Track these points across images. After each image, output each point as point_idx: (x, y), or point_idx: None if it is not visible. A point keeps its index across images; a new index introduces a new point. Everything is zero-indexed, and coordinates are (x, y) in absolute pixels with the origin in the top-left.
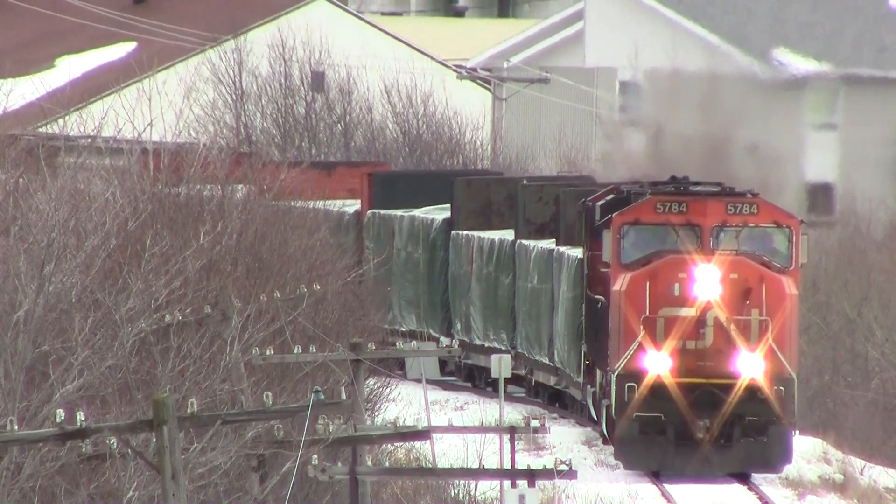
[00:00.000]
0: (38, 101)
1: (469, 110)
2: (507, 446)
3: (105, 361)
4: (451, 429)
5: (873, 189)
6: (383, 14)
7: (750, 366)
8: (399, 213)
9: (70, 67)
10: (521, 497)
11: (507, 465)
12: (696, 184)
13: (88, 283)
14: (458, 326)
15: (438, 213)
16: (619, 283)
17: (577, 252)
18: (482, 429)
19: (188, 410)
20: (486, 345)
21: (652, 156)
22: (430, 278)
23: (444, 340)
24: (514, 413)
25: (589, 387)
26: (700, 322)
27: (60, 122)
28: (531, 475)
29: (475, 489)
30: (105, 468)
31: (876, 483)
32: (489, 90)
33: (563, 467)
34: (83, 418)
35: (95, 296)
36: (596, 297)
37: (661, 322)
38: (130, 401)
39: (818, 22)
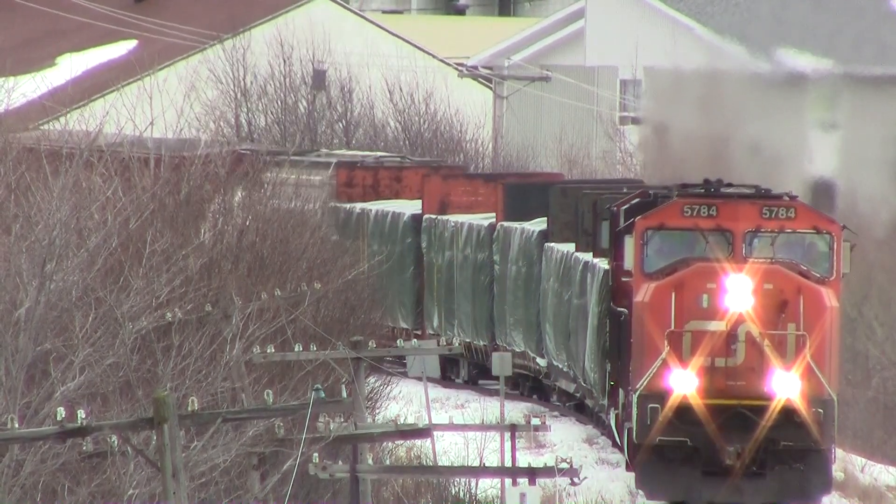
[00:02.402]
0: (40, 99)
1: (470, 108)
2: (507, 444)
3: (106, 359)
4: (451, 427)
5: (875, 187)
6: (384, 12)
7: (785, 386)
8: (515, 225)
9: (71, 65)
10: (522, 495)
11: (508, 464)
12: (729, 186)
13: (90, 281)
14: (550, 347)
15: (538, 225)
16: (642, 294)
17: (604, 262)
18: (483, 427)
19: (189, 408)
20: (560, 366)
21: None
22: (527, 295)
23: (542, 362)
24: (514, 411)
25: (612, 409)
26: (731, 337)
27: (62, 119)
28: (532, 473)
29: (476, 487)
30: (106, 466)
31: (876, 481)
32: (490, 88)
33: (564, 465)
34: (84, 416)
35: (97, 294)
36: (619, 309)
37: (687, 337)
38: (131, 399)
39: (819, 21)
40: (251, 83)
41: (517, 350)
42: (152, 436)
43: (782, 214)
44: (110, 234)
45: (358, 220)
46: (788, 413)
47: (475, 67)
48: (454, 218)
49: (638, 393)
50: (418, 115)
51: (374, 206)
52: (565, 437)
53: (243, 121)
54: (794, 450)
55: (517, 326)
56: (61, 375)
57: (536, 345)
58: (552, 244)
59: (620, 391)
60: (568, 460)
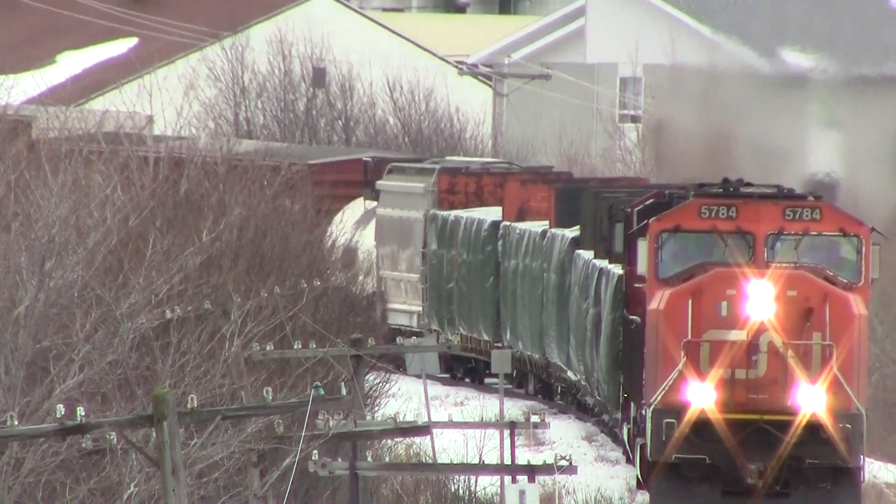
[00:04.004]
0: (39, 96)
1: (470, 106)
2: (507, 442)
3: (105, 357)
4: (451, 424)
5: (875, 185)
6: (385, 10)
7: (811, 399)
8: (558, 232)
9: (71, 63)
10: (522, 492)
11: (508, 461)
12: (749, 185)
13: (89, 278)
14: (574, 359)
15: (574, 232)
16: (657, 301)
17: (619, 268)
18: (482, 424)
19: (188, 406)
20: (579, 378)
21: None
22: (559, 306)
23: (572, 375)
24: (514, 409)
25: (625, 424)
26: (752, 347)
27: (61, 117)
28: (531, 470)
29: (475, 485)
30: (105, 463)
31: (876, 479)
32: (490, 86)
33: (563, 462)
34: (83, 414)
35: (96, 292)
36: (632, 317)
37: (705, 347)
38: (131, 396)
39: (820, 20)
40: (250, 81)
41: (553, 362)
42: (152, 433)
43: (807, 216)
44: (110, 231)
45: (452, 229)
46: (814, 429)
47: (475, 65)
48: (521, 225)
49: (652, 407)
50: (418, 112)
51: (465, 214)
52: (565, 435)
53: (242, 119)
54: (820, 468)
55: (555, 338)
56: (61, 373)
57: (567, 357)
58: (580, 251)
59: (633, 405)
60: (567, 457)
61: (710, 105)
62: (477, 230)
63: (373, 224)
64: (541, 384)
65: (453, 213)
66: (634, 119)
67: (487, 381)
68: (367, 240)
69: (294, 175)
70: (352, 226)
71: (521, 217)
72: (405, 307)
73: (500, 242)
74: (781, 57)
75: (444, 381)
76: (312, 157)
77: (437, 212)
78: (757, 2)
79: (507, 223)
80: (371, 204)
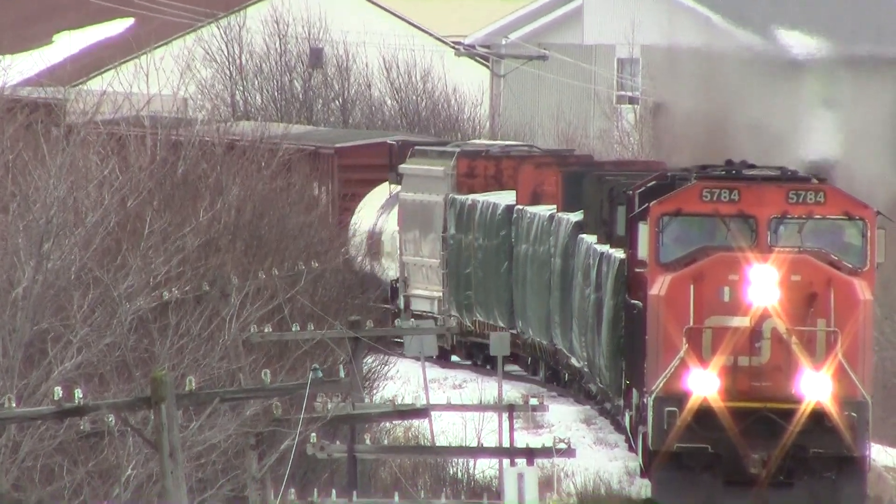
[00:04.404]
0: (37, 76)
1: (467, 87)
2: (505, 425)
3: (103, 339)
4: (449, 407)
5: (873, 168)
6: None
7: (815, 387)
8: (563, 216)
9: (68, 43)
10: (520, 475)
11: (506, 444)
12: (752, 167)
13: (87, 260)
14: (577, 346)
15: (578, 216)
16: (658, 287)
17: (621, 252)
18: (481, 407)
19: (186, 388)
20: (581, 365)
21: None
22: (562, 292)
23: (576, 362)
24: (512, 391)
25: (627, 411)
26: (755, 334)
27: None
28: (530, 454)
29: (474, 467)
30: (103, 446)
31: (875, 461)
32: (487, 67)
33: (562, 445)
34: (81, 396)
35: (94, 273)
36: (633, 302)
37: (707, 334)
38: (129, 378)
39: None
40: (247, 61)
41: (559, 348)
42: (150, 415)
43: (811, 199)
44: (108, 213)
45: (469, 213)
46: (818, 417)
47: (472, 46)
48: (531, 209)
49: (654, 395)
50: (415, 93)
51: (482, 198)
52: (563, 418)
53: (239, 99)
54: (824, 457)
55: (559, 325)
56: (59, 355)
57: (570, 344)
58: (583, 236)
59: (635, 392)
60: (566, 441)
61: (707, 86)
62: (492, 214)
63: (396, 208)
64: (550, 371)
65: (470, 198)
66: (632, 100)
67: (507, 368)
68: (391, 224)
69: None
70: (376, 211)
71: (535, 201)
72: (427, 293)
73: (514, 227)
74: (778, 38)
75: (442, 364)
76: (339, 140)
77: (456, 196)
78: None
79: (521, 207)
80: (396, 188)
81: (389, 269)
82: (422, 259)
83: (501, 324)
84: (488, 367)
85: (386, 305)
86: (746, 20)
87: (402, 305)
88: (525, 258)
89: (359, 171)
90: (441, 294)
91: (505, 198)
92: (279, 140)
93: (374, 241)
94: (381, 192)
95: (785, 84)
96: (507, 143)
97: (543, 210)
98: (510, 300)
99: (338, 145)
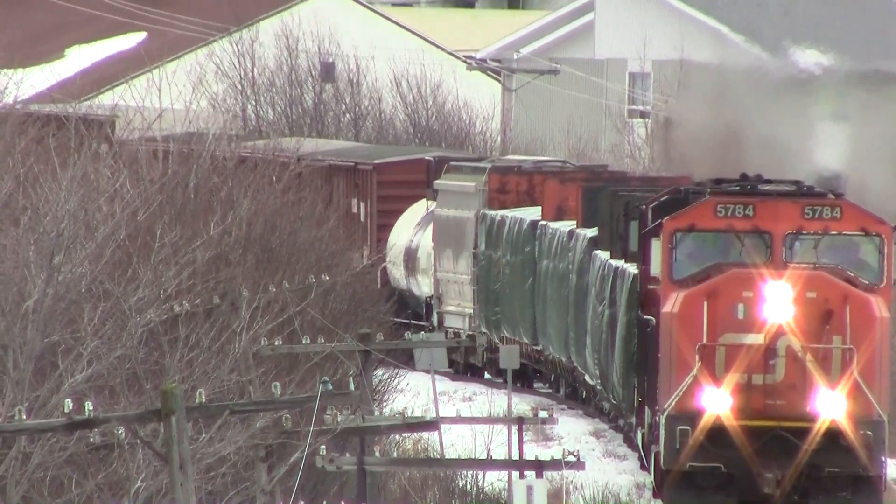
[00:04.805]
0: (49, 90)
1: (479, 101)
2: (515, 437)
3: (114, 352)
4: (459, 420)
5: (883, 182)
6: (393, 4)
7: (830, 405)
8: (581, 232)
9: (80, 57)
10: (529, 488)
11: (515, 457)
12: (768, 182)
13: (98, 273)
14: (590, 363)
15: (592, 231)
16: (671, 304)
17: (634, 267)
18: (490, 420)
19: (196, 400)
20: (594, 382)
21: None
22: (577, 308)
23: (590, 380)
24: (522, 404)
25: (639, 429)
26: (769, 351)
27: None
28: (539, 466)
29: (483, 480)
30: (113, 458)
31: (892, 483)
32: (499, 81)
33: (571, 458)
34: (91, 408)
35: (105, 286)
36: (646, 318)
37: (721, 351)
38: (139, 391)
39: (828, 16)
40: (259, 76)
41: (575, 365)
42: (160, 428)
43: (827, 214)
44: (119, 226)
45: (498, 229)
46: (834, 436)
47: (484, 60)
48: (553, 225)
49: (666, 413)
50: (426, 107)
51: (510, 214)
52: (572, 430)
53: (251, 113)
54: (839, 477)
55: (574, 341)
56: (69, 367)
57: (584, 361)
58: (598, 252)
59: (647, 410)
60: (575, 453)
61: (719, 101)
62: (518, 230)
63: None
64: (570, 388)
65: (500, 213)
66: (643, 115)
67: (536, 384)
68: (427, 241)
69: (359, 175)
70: (413, 227)
71: (559, 216)
72: (459, 310)
73: (537, 243)
74: (790, 53)
75: (452, 377)
76: (378, 156)
77: (486, 211)
78: None
79: (544, 223)
80: (433, 205)
81: (424, 286)
82: (455, 275)
83: (526, 340)
84: (518, 384)
85: (421, 322)
86: (757, 35)
87: (435, 322)
88: (546, 274)
89: (397, 188)
90: (473, 310)
91: (531, 213)
92: (322, 156)
93: (410, 258)
94: (419, 208)
95: (795, 99)
96: (541, 158)
97: (564, 226)
98: (533, 316)
99: (376, 161)
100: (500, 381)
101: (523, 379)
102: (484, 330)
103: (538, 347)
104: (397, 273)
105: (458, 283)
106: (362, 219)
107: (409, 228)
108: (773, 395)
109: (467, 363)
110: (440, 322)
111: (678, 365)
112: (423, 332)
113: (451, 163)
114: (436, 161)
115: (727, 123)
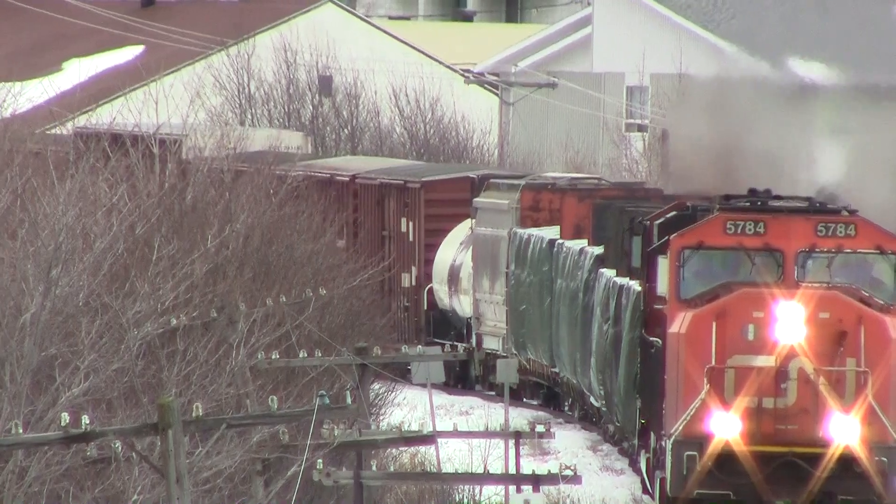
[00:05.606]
0: (46, 103)
1: (476, 115)
2: (512, 451)
3: (111, 365)
4: (456, 434)
5: (883, 196)
6: (391, 18)
7: (844, 431)
8: (589, 249)
9: (78, 70)
10: (526, 502)
11: (512, 471)
12: (778, 198)
13: (95, 286)
14: (594, 384)
15: (598, 248)
16: (678, 324)
17: (638, 284)
18: (487, 434)
19: (193, 414)
20: (598, 404)
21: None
22: (583, 327)
23: (595, 401)
24: (519, 418)
25: (644, 453)
26: (781, 374)
27: (69, 124)
28: (536, 480)
29: (480, 494)
30: (110, 472)
31: None
32: (497, 95)
33: (568, 472)
34: (88, 422)
35: (102, 299)
36: (651, 339)
37: (730, 374)
38: (136, 404)
39: (828, 29)
40: (256, 89)
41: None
42: (156, 441)
43: (840, 232)
44: (116, 239)
45: (525, 247)
46: (847, 462)
47: (482, 74)
48: (568, 243)
49: (673, 438)
50: (424, 121)
51: (535, 232)
52: (570, 445)
53: (248, 127)
54: None
55: (580, 362)
56: (66, 381)
57: (589, 382)
58: (603, 270)
59: (652, 434)
60: (572, 467)
61: (717, 114)
62: (539, 249)
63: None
64: (583, 411)
65: (527, 232)
66: (641, 128)
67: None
68: (469, 260)
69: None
70: (457, 246)
71: (578, 234)
72: (496, 330)
73: (554, 262)
74: (789, 66)
75: (449, 391)
76: (426, 174)
77: (517, 230)
78: (764, 11)
79: (560, 241)
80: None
81: (466, 306)
82: (492, 295)
83: (545, 362)
84: (552, 407)
85: (463, 343)
86: (757, 48)
87: (474, 343)
88: (560, 294)
89: (443, 206)
90: (506, 331)
91: (552, 232)
92: (374, 175)
93: (453, 278)
94: (464, 227)
95: (796, 112)
96: (576, 175)
97: (577, 244)
98: (550, 337)
99: (424, 179)
100: (536, 402)
101: (553, 403)
102: (514, 351)
103: (555, 369)
104: (442, 293)
105: (494, 303)
106: (410, 238)
107: (454, 248)
108: (784, 420)
109: (465, 374)
110: (479, 343)
111: (685, 388)
112: (419, 346)
113: (491, 180)
114: (479, 178)
115: (726, 136)
